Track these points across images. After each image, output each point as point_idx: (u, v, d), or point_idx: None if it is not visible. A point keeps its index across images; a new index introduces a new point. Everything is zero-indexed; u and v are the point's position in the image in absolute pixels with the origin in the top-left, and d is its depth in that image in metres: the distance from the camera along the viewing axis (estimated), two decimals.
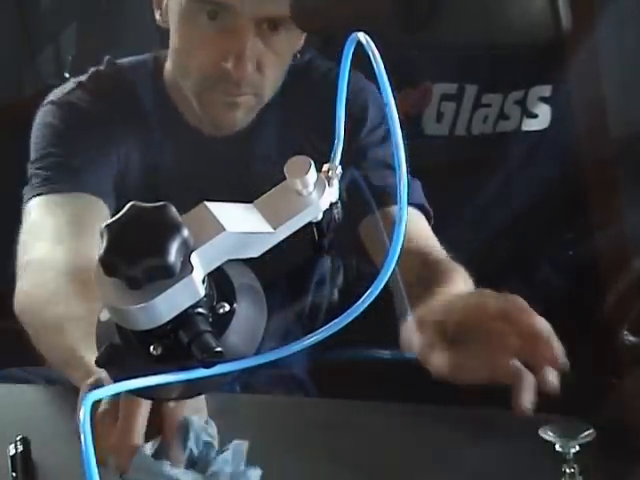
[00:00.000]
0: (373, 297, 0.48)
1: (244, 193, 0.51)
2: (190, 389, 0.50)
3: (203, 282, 0.47)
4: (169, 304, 0.45)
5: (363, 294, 0.49)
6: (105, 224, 0.45)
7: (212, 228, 0.47)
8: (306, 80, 1.01)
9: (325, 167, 0.52)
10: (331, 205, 0.52)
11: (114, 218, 0.45)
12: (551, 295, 1.05)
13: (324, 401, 0.89)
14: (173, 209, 0.45)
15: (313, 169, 0.50)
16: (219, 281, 0.51)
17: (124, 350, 0.49)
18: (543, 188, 1.12)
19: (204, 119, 0.96)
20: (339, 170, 0.52)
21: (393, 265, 0.48)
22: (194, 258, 0.46)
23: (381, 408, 0.79)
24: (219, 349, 0.47)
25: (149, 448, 0.56)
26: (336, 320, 0.49)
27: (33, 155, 0.98)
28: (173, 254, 0.44)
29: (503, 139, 1.17)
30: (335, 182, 0.52)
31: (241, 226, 0.48)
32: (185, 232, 0.45)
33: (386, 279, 0.48)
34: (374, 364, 0.96)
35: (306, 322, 0.96)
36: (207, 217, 0.47)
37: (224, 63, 0.89)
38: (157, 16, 0.96)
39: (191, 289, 0.46)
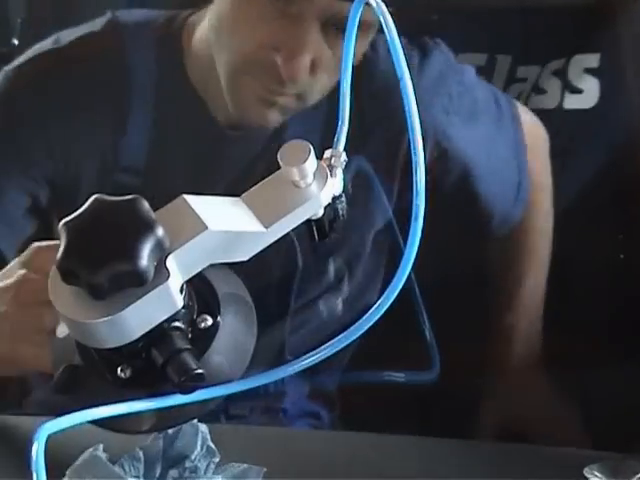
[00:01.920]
0: (385, 307, 0.49)
1: None
2: (165, 419, 0.51)
3: (181, 291, 0.48)
4: (140, 317, 0.46)
5: (373, 305, 0.49)
6: (63, 221, 0.45)
7: (192, 226, 0.47)
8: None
9: (327, 153, 0.52)
10: (334, 199, 0.52)
11: (74, 214, 0.45)
12: (596, 310, 1.06)
13: (325, 434, 0.90)
14: (145, 203, 0.46)
15: (313, 156, 0.50)
16: (200, 290, 0.51)
17: (86, 373, 0.49)
18: (588, 179, 1.12)
19: (230, 108, 0.92)
20: (344, 157, 0.52)
21: (408, 269, 0.49)
22: (170, 262, 0.46)
23: (400, 443, 0.79)
24: (200, 371, 0.47)
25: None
26: (341, 336, 0.50)
27: None
28: (145, 257, 0.44)
29: (541, 119, 1.17)
30: (339, 172, 0.52)
31: (227, 224, 0.49)
32: (159, 231, 0.45)
33: (400, 285, 0.49)
34: (385, 388, 0.96)
35: (304, 339, 0.96)
36: (186, 213, 0.48)
37: (274, 52, 0.85)
38: None
39: (167, 299, 0.46)
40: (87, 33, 0.97)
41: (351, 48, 0.52)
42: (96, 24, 0.98)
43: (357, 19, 0.52)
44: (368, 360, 1.00)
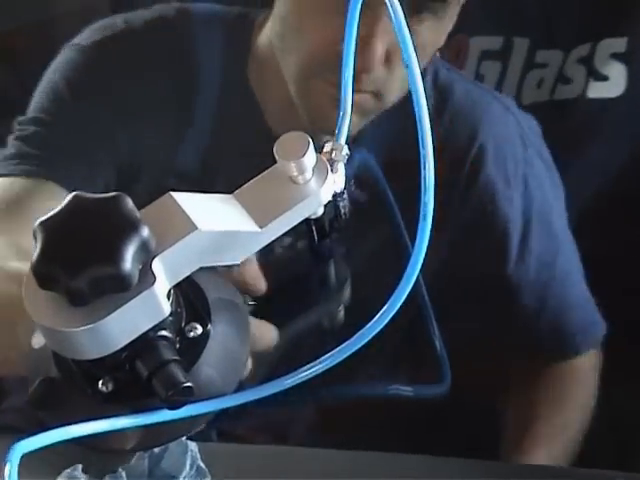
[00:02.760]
0: (391, 314, 0.49)
1: None
2: (151, 437, 0.51)
3: (168, 297, 0.48)
4: (123, 325, 0.46)
5: (378, 311, 0.49)
6: (39, 221, 0.45)
7: (180, 226, 0.47)
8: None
9: (327, 147, 0.52)
10: (335, 196, 0.53)
11: (51, 213, 0.45)
12: (623, 317, 1.06)
13: (325, 453, 0.90)
14: (129, 201, 0.46)
15: (312, 149, 0.50)
16: (189, 295, 0.51)
17: (64, 386, 0.49)
18: (615, 172, 1.12)
19: (303, 116, 0.92)
20: (345, 151, 0.53)
21: (416, 272, 0.49)
22: (157, 265, 0.46)
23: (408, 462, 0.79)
24: (189, 384, 0.47)
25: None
26: (344, 345, 0.50)
27: (28, 111, 0.98)
28: (129, 260, 0.44)
29: (563, 109, 1.17)
30: (340, 167, 0.53)
31: (218, 223, 0.49)
32: (145, 231, 0.45)
33: (407, 290, 0.49)
34: (391, 403, 0.96)
35: (303, 349, 0.96)
36: (174, 212, 0.48)
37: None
38: None
39: (152, 306, 0.46)
40: (157, 17, 0.98)
41: (353, 25, 0.52)
42: (167, 10, 0.99)
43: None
44: (373, 372, 1.00)
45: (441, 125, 1.00)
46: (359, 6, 0.52)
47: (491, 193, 1.01)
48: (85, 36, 0.99)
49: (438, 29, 0.90)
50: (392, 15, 0.50)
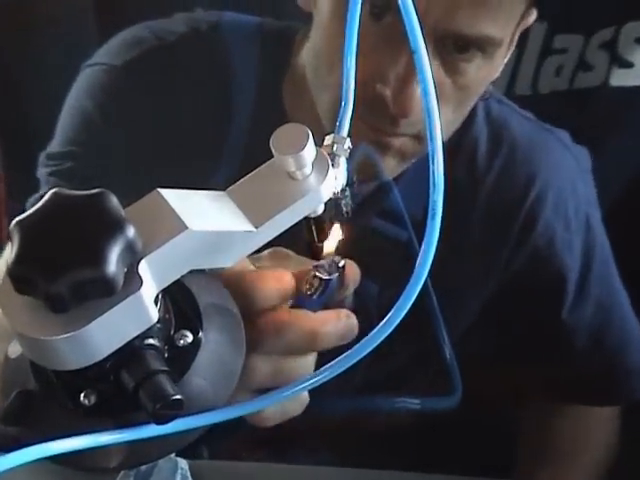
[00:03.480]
0: (397, 320, 0.49)
1: None
2: (137, 454, 0.51)
3: (156, 302, 0.48)
4: (107, 333, 0.46)
5: (384, 316, 0.49)
6: (16, 220, 0.45)
7: (169, 225, 0.47)
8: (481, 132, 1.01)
9: (328, 139, 0.53)
10: (336, 193, 0.53)
11: (29, 211, 0.45)
12: None
13: (325, 471, 0.90)
14: (113, 198, 0.46)
15: (311, 143, 0.50)
16: (179, 301, 0.51)
17: (42, 399, 0.49)
18: (637, 166, 1.12)
19: None
20: (348, 144, 0.53)
21: (425, 275, 0.49)
22: (143, 268, 0.46)
23: None
24: (178, 397, 0.47)
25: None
26: (345, 355, 0.50)
27: (53, 144, 0.97)
28: (113, 262, 0.44)
29: (584, 98, 1.17)
30: (342, 161, 0.53)
31: (210, 223, 0.49)
32: (130, 231, 0.45)
33: (415, 294, 0.49)
34: (397, 417, 0.96)
35: None
36: (162, 210, 0.48)
37: (380, 85, 0.85)
38: None
39: (139, 312, 0.46)
40: (190, 31, 0.98)
41: (356, 14, 0.52)
42: (197, 21, 0.99)
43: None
44: (377, 384, 1.00)
45: (495, 166, 1.01)
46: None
47: (549, 238, 1.02)
48: (113, 54, 0.98)
49: (488, 66, 0.89)
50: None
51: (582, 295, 1.03)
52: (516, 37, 0.91)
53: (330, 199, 0.52)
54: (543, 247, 1.02)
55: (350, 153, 0.53)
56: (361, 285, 0.61)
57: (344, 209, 0.53)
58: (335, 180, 0.52)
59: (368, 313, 0.55)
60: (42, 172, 0.96)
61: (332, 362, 0.50)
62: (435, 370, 0.96)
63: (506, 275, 1.02)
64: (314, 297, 0.59)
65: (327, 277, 0.59)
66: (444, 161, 0.49)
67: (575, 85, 1.17)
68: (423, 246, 0.50)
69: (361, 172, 0.83)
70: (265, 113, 0.96)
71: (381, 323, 0.50)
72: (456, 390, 0.92)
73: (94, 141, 0.96)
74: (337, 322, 0.58)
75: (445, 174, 0.49)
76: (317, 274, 0.59)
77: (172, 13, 1.02)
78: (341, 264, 0.59)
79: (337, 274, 0.59)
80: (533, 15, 0.90)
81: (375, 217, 0.99)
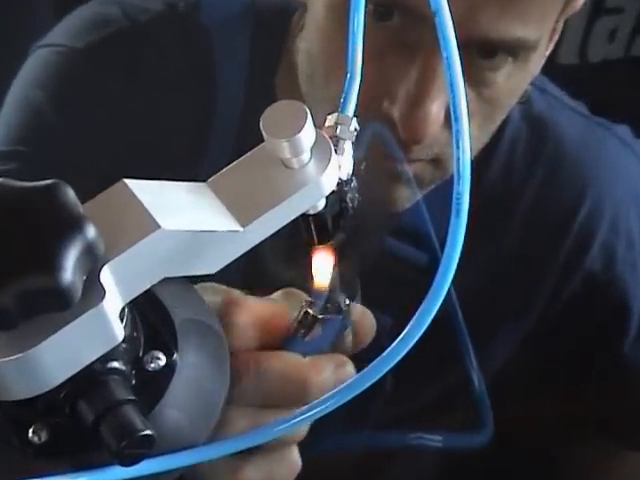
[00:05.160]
0: (413, 341, 0.49)
1: None
2: None
3: (122, 317, 0.48)
4: (62, 355, 0.45)
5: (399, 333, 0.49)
6: None
7: (137, 224, 0.47)
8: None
9: (330, 119, 0.53)
10: (340, 185, 0.53)
11: None
12: None
13: None
14: (70, 191, 0.46)
15: (310, 124, 0.50)
16: (149, 316, 0.51)
17: None
18: None
19: None
20: (354, 125, 0.53)
21: (447, 285, 0.49)
22: (106, 276, 0.46)
23: None
24: (148, 432, 0.47)
25: None
26: (351, 381, 0.50)
27: (2, 138, 0.96)
28: (69, 269, 0.44)
29: None
30: (347, 146, 0.53)
31: (187, 221, 0.49)
32: (90, 231, 0.45)
33: (436, 307, 0.49)
34: (417, 456, 0.97)
35: None
36: (129, 205, 0.48)
37: (387, 103, 0.83)
38: None
39: (100, 329, 0.46)
40: (165, 9, 0.98)
41: None
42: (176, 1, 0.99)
43: None
44: (394, 417, 1.00)
45: (536, 174, 1.01)
46: None
47: (607, 260, 1.03)
48: (72, 34, 0.98)
49: (522, 72, 0.87)
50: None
51: None
52: (559, 27, 0.88)
53: (332, 192, 0.52)
54: (600, 271, 1.03)
55: (357, 136, 0.53)
56: None
57: (349, 204, 0.53)
58: (339, 169, 0.52)
59: (380, 351, 0.55)
60: None
61: (336, 389, 0.51)
62: (463, 404, 0.97)
63: (553, 305, 1.02)
64: (305, 339, 0.58)
65: (321, 315, 0.57)
66: (473, 169, 0.49)
67: (632, 52, 1.16)
68: (446, 250, 0.50)
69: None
70: (256, 104, 0.96)
71: (393, 344, 0.50)
72: (486, 425, 0.92)
73: (46, 139, 0.96)
74: (332, 369, 0.57)
75: (475, 184, 0.49)
76: (308, 310, 0.58)
77: None
78: (345, 303, 0.58)
79: (340, 317, 0.58)
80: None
81: (388, 236, 0.98)
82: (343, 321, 0.58)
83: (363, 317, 0.59)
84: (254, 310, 0.57)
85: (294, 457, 0.60)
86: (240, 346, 0.56)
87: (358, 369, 0.55)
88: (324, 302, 0.57)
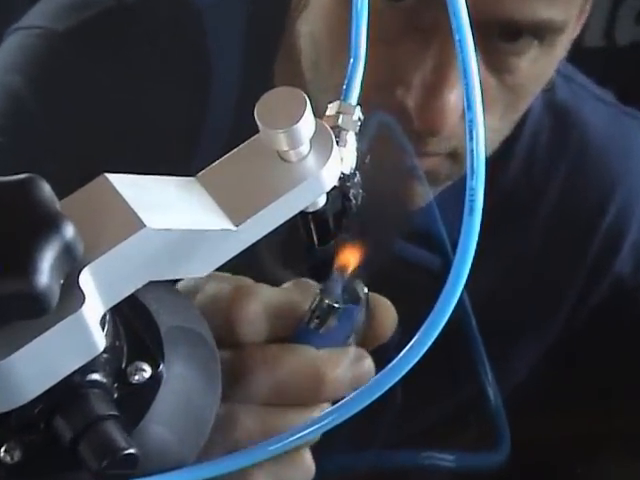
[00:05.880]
0: (422, 351, 0.49)
1: None
2: None
3: (103, 325, 0.48)
4: (38, 366, 0.45)
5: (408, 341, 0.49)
6: None
7: (120, 223, 0.47)
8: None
9: (332, 108, 0.53)
10: (342, 180, 0.52)
11: None
12: None
13: None
14: (46, 186, 0.46)
15: (309, 113, 0.49)
16: (133, 323, 0.51)
17: None
18: None
19: None
20: (357, 114, 0.52)
21: (460, 289, 0.49)
22: (86, 280, 0.46)
23: None
24: (131, 451, 0.47)
25: None
26: (354, 394, 0.50)
27: None
28: (45, 272, 0.44)
29: None
30: (350, 137, 0.52)
31: (174, 219, 0.49)
32: (68, 230, 0.45)
33: (444, 319, 0.49)
34: (427, 476, 0.97)
35: None
36: (111, 202, 0.48)
37: (402, 92, 0.83)
38: None
39: (80, 338, 0.46)
40: None
41: None
42: None
43: None
44: (403, 434, 1.00)
45: (560, 168, 1.01)
46: None
47: (638, 262, 1.03)
48: (52, 15, 0.98)
49: (548, 57, 0.87)
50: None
51: None
52: (587, 8, 0.88)
53: (334, 187, 0.52)
54: (629, 275, 1.03)
55: (365, 126, 0.52)
56: None
57: (353, 201, 0.53)
58: (341, 162, 0.52)
59: (386, 362, 0.55)
60: None
61: (338, 404, 0.51)
62: (477, 420, 0.97)
63: (578, 312, 1.02)
64: (319, 331, 0.58)
65: (337, 305, 0.57)
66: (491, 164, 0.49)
67: None
68: (459, 249, 0.50)
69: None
70: (252, 92, 0.96)
71: (401, 353, 0.50)
72: (502, 443, 0.92)
73: (25, 127, 0.96)
74: (349, 364, 0.57)
75: (493, 180, 0.49)
76: (323, 298, 0.58)
77: None
78: (363, 291, 0.58)
79: (359, 306, 0.58)
80: None
81: (399, 239, 0.98)
82: (361, 311, 0.58)
83: (383, 308, 0.59)
84: (265, 298, 0.58)
85: (307, 462, 0.60)
86: (249, 338, 0.57)
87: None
88: (341, 290, 0.57)
